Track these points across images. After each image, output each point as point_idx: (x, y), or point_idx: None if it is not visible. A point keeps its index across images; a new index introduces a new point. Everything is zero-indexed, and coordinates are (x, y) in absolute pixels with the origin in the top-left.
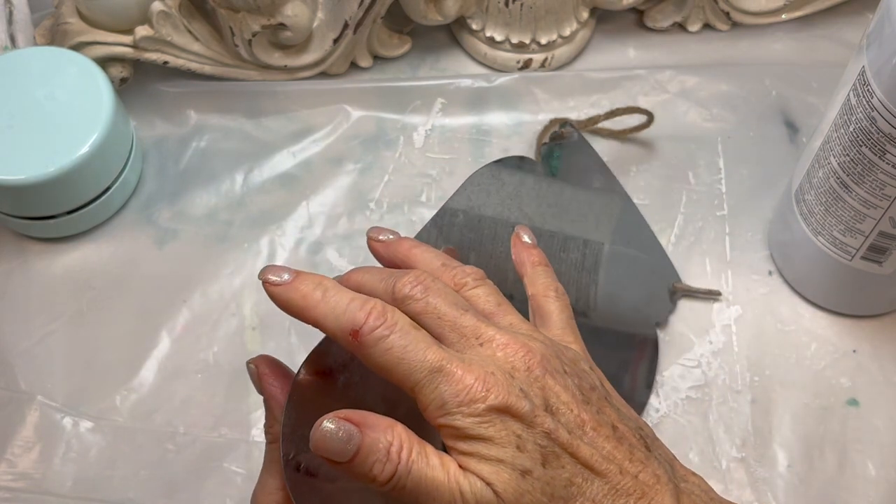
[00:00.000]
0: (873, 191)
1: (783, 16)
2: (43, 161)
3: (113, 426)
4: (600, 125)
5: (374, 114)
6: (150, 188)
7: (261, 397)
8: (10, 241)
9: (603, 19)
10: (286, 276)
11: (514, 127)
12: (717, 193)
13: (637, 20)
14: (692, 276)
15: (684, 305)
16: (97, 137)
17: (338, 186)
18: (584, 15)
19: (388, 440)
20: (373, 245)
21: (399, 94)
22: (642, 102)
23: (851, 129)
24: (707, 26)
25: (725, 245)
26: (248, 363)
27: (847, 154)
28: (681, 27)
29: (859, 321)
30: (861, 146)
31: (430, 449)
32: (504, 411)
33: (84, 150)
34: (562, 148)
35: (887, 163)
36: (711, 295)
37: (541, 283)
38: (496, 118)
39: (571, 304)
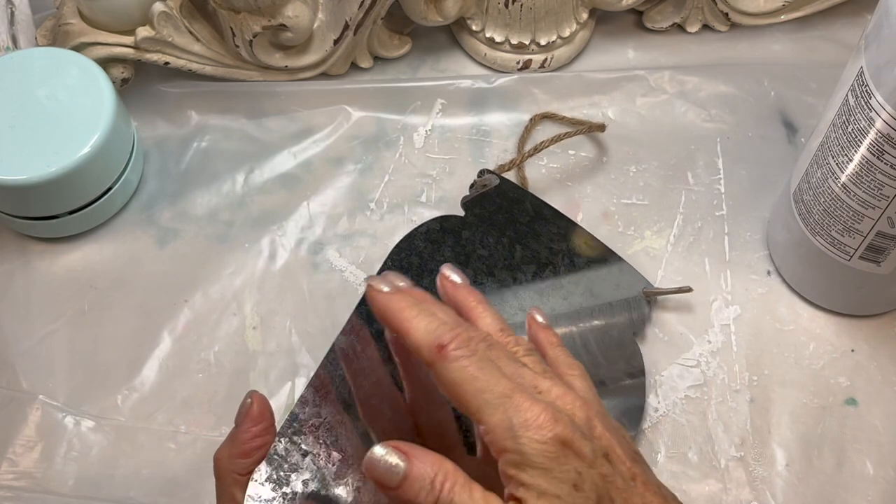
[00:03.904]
0: (871, 191)
1: (782, 17)
2: (44, 161)
3: (114, 425)
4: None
5: (375, 114)
6: (152, 188)
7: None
8: (12, 241)
9: (602, 20)
10: (386, 289)
11: (514, 127)
12: (716, 193)
13: (636, 21)
14: (691, 276)
15: (683, 305)
16: (98, 138)
17: (338, 186)
18: (584, 16)
19: (434, 471)
20: (444, 283)
21: (399, 95)
22: (641, 103)
23: (850, 129)
24: (706, 27)
25: (724, 245)
26: (247, 395)
27: (845, 154)
28: (680, 28)
29: (858, 321)
30: (859, 147)
31: (476, 486)
32: (567, 445)
33: (85, 150)
34: (484, 198)
35: (885, 163)
36: (682, 292)
37: (563, 363)
38: (496, 119)
39: None
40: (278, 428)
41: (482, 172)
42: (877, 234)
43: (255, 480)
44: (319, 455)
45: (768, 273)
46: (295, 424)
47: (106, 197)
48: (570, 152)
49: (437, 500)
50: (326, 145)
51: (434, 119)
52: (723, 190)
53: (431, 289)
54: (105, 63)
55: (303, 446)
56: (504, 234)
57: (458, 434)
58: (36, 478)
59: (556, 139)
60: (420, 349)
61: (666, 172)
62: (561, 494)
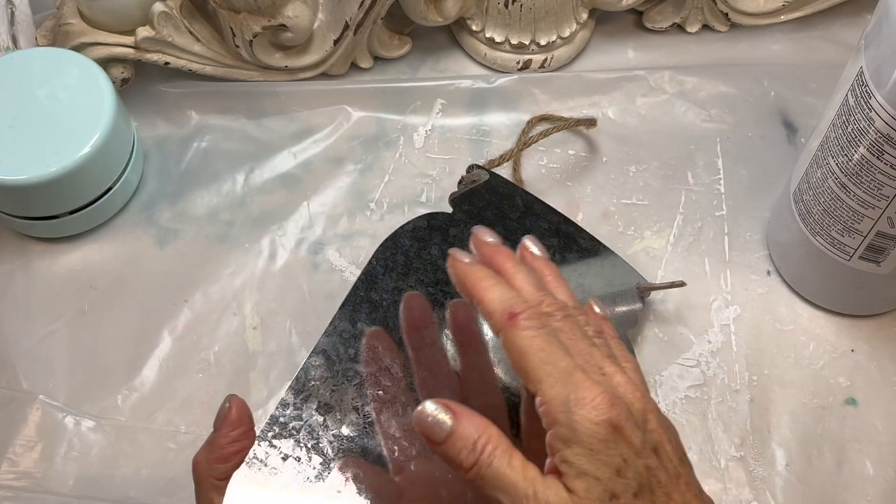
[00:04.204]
0: (871, 191)
1: (782, 17)
2: (44, 161)
3: (114, 425)
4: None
5: (375, 114)
6: (152, 188)
7: (263, 395)
8: (12, 241)
9: (602, 20)
10: (466, 259)
11: (514, 128)
12: (716, 193)
13: (636, 21)
14: (691, 276)
15: (683, 305)
16: (98, 138)
17: (338, 187)
18: (584, 16)
19: (478, 433)
20: (524, 254)
21: (399, 95)
22: (641, 103)
23: (849, 129)
24: (706, 27)
25: (724, 245)
26: (226, 400)
27: (845, 154)
28: (680, 28)
29: (857, 321)
30: (859, 147)
31: (517, 454)
32: (619, 431)
33: (85, 150)
34: (473, 193)
35: (885, 163)
36: (676, 286)
37: (619, 355)
38: (496, 119)
39: None
40: (258, 431)
41: (471, 168)
42: (877, 234)
43: (234, 485)
44: (300, 459)
45: (768, 273)
46: (275, 428)
47: (106, 197)
48: (570, 152)
49: (476, 461)
50: (326, 145)
51: (434, 119)
52: (723, 190)
53: (416, 288)
54: (105, 63)
55: (283, 450)
56: (493, 230)
57: (506, 421)
58: (36, 478)
59: (544, 133)
60: (492, 315)
61: (666, 172)
62: (601, 477)
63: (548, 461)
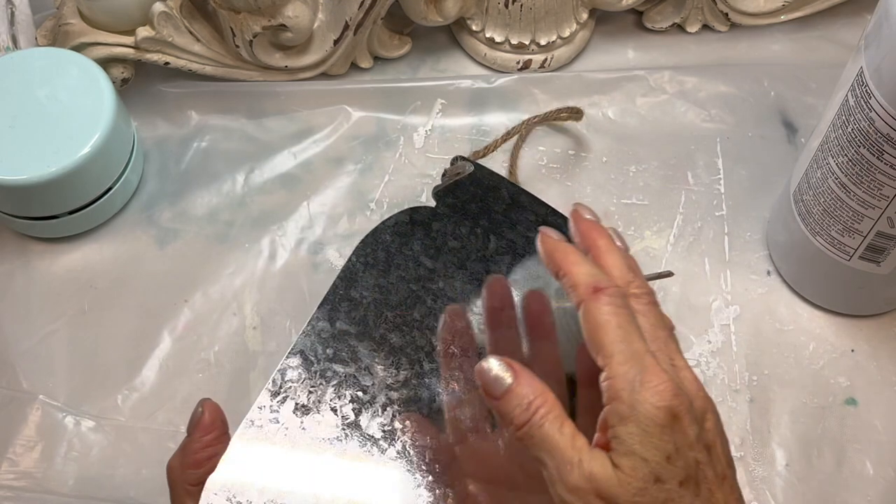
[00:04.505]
0: (871, 191)
1: (782, 17)
2: (44, 161)
3: (114, 425)
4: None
5: (375, 114)
6: (152, 188)
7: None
8: (12, 241)
9: (602, 20)
10: (556, 237)
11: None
12: (716, 193)
13: (636, 21)
14: (691, 276)
15: (683, 305)
16: (98, 138)
17: (338, 187)
18: (584, 16)
19: (534, 395)
20: (577, 221)
21: (399, 95)
22: (641, 103)
23: (849, 129)
24: (706, 27)
25: (724, 245)
26: (199, 404)
27: (845, 154)
28: (680, 28)
29: (857, 321)
30: (859, 147)
31: (569, 423)
32: (677, 420)
33: (85, 150)
34: (457, 186)
35: (885, 163)
36: (663, 276)
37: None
38: (496, 119)
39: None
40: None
41: (455, 160)
42: (877, 234)
43: (209, 490)
44: (276, 462)
45: (768, 273)
46: (250, 431)
47: (106, 197)
48: (570, 152)
49: (529, 420)
50: (326, 145)
51: (434, 119)
52: (723, 190)
53: (398, 285)
54: (105, 63)
55: (258, 453)
56: (478, 223)
57: (567, 409)
58: (36, 478)
59: (527, 124)
60: (576, 287)
61: (666, 172)
62: (650, 459)
63: (597, 436)
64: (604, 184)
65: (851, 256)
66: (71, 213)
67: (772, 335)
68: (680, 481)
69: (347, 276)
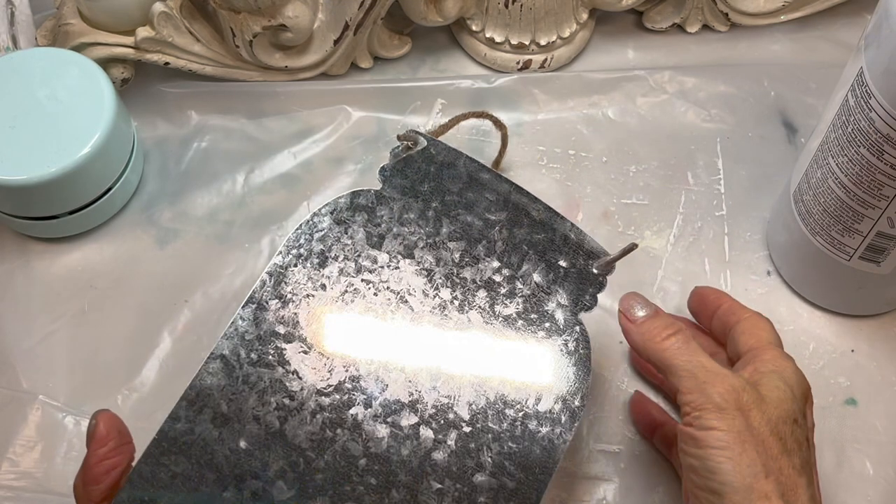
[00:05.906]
0: (871, 191)
1: (782, 17)
2: (45, 161)
3: None
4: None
5: (375, 114)
6: (152, 188)
7: None
8: (12, 241)
9: (602, 20)
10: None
11: (514, 128)
12: (716, 194)
13: (636, 21)
14: (691, 276)
15: (683, 305)
16: (99, 138)
17: (338, 187)
18: (584, 16)
19: (665, 324)
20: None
21: (399, 95)
22: (641, 103)
23: (849, 129)
24: (706, 27)
25: (724, 245)
26: (93, 416)
27: (845, 154)
28: (680, 28)
29: (857, 321)
30: (859, 147)
31: (702, 353)
32: (807, 399)
33: (85, 150)
34: (407, 163)
35: (885, 163)
36: (628, 251)
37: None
38: None
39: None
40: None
41: (406, 133)
42: (877, 234)
43: None
44: (191, 477)
45: (768, 273)
46: (163, 443)
47: (106, 197)
48: (570, 152)
49: (672, 335)
50: (326, 145)
51: (434, 119)
52: (723, 190)
53: (337, 279)
54: (105, 63)
55: (171, 467)
56: (429, 206)
57: None
58: (36, 478)
59: (457, 119)
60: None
61: (666, 172)
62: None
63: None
64: (604, 184)
65: (851, 256)
66: (71, 213)
67: None
68: (794, 447)
69: (276, 272)
